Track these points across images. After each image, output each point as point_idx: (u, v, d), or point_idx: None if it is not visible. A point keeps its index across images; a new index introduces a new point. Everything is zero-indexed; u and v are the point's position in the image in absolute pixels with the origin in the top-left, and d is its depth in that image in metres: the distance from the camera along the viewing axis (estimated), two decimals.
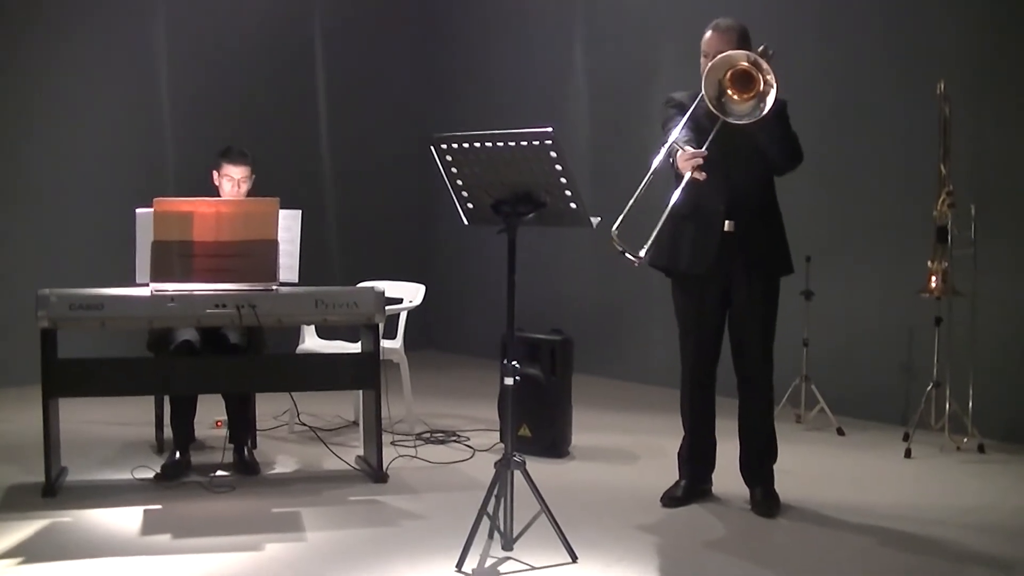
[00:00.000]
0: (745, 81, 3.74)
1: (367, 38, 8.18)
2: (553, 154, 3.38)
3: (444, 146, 3.54)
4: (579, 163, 6.69)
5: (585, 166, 6.98)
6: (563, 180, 3.44)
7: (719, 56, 3.77)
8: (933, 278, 5.13)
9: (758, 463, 4.19)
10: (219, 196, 4.81)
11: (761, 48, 3.86)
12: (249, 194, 4.85)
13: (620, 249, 3.64)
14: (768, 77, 3.67)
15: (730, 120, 3.77)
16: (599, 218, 3.58)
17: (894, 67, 5.74)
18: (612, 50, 7.19)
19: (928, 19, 5.62)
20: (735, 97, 3.75)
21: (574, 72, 7.46)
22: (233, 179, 4.83)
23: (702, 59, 3.99)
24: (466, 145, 3.49)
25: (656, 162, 3.86)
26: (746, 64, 3.71)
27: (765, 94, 3.69)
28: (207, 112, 7.27)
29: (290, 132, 7.77)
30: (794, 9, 6.16)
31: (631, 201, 3.72)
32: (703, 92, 3.78)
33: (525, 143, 3.39)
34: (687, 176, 3.80)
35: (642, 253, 3.67)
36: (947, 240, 5.11)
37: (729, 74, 3.74)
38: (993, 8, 5.41)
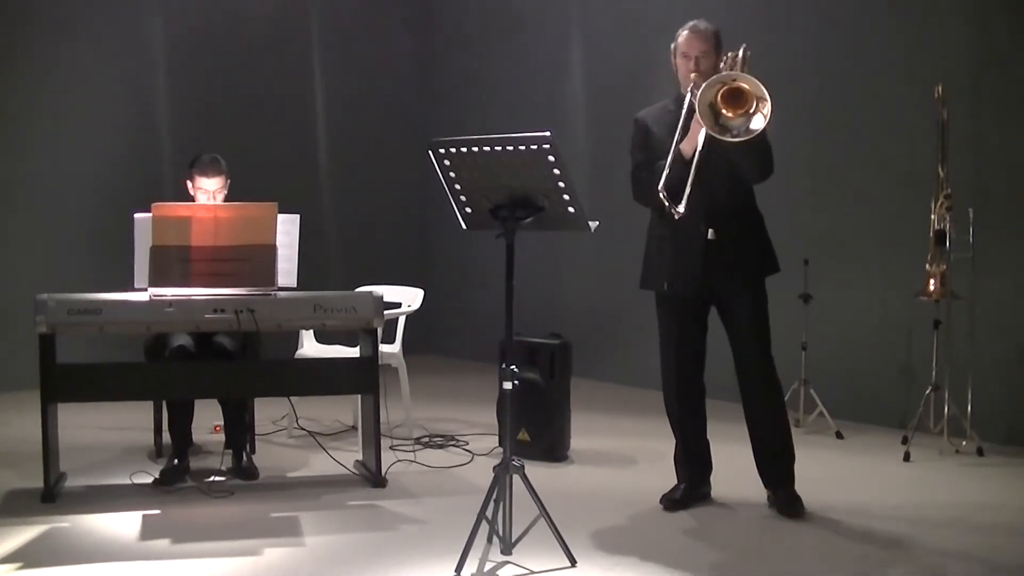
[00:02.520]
0: (736, 97, 3.73)
1: (365, 42, 8.18)
2: (551, 158, 3.38)
3: (442, 150, 3.54)
4: (576, 166, 6.69)
5: (583, 169, 6.98)
6: (561, 184, 3.44)
7: (713, 78, 3.76)
8: (931, 281, 5.13)
9: (776, 466, 4.17)
10: None
11: (742, 48, 3.87)
12: (227, 199, 4.76)
13: (666, 204, 3.82)
14: (761, 92, 3.67)
15: (728, 139, 3.75)
16: (597, 222, 3.58)
17: (893, 69, 5.74)
18: (609, 52, 7.18)
19: (928, 21, 5.62)
20: (729, 114, 3.75)
21: (572, 74, 7.46)
22: (208, 191, 4.72)
23: (680, 59, 4.02)
24: (464, 149, 3.49)
25: (680, 140, 3.89)
26: (744, 84, 3.70)
27: (760, 108, 3.69)
28: (205, 116, 7.27)
29: (289, 136, 7.77)
30: (792, 10, 6.17)
31: (668, 159, 3.86)
32: (696, 113, 3.77)
33: (523, 147, 3.38)
34: (701, 136, 3.81)
35: (681, 208, 3.79)
36: (945, 243, 5.11)
37: (720, 93, 3.74)
38: (993, 10, 5.41)
